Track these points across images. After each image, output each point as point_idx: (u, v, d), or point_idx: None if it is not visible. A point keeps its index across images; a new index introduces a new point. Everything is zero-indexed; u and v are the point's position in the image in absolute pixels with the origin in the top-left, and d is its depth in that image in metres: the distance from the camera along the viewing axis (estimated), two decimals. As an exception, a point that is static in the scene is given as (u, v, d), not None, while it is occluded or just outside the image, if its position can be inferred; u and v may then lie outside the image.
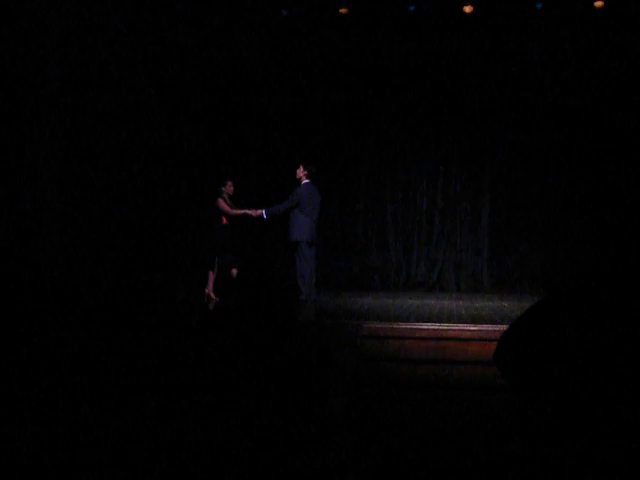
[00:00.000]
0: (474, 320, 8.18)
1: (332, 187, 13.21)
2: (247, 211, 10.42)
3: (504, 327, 7.39)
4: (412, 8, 11.73)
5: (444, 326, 7.64)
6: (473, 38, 12.25)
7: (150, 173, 10.92)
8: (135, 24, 10.47)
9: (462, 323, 7.87)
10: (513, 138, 12.88)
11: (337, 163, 13.22)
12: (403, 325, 7.62)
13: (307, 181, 10.17)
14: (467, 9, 11.49)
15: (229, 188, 10.75)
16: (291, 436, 3.06)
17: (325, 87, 12.82)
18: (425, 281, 13.18)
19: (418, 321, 7.97)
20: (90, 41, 9.51)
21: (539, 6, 11.58)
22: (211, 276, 10.74)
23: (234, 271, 10.73)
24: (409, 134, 13.12)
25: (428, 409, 5.80)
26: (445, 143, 13.17)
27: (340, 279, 13.14)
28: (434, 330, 7.47)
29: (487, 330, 7.41)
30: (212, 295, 10.67)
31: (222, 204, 10.60)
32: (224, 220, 10.72)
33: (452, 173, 13.26)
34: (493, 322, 7.99)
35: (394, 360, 7.07)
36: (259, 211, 10.17)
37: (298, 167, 10.24)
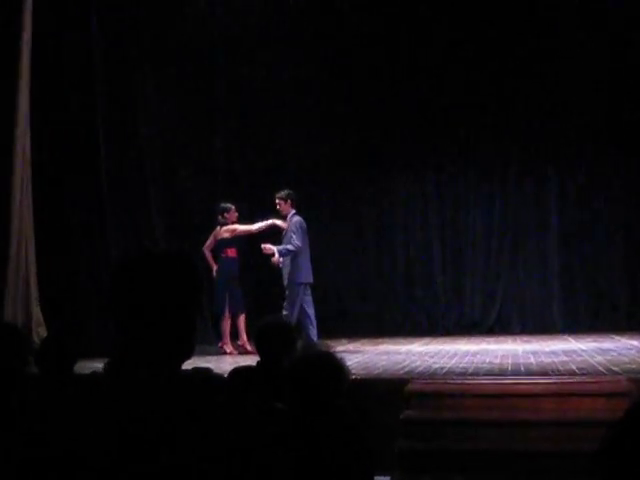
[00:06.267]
0: (546, 370, 8.02)
1: (360, 208, 13.33)
2: (275, 221, 10.48)
3: (585, 379, 7.23)
4: None
5: (509, 379, 7.50)
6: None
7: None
8: None
9: (531, 375, 7.73)
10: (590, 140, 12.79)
11: (359, 176, 13.23)
12: (459, 380, 7.51)
13: (294, 211, 10.46)
14: None
15: (232, 214, 10.72)
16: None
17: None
18: (481, 321, 13.23)
19: (477, 374, 7.86)
20: None
21: None
22: (225, 321, 10.69)
23: (242, 317, 10.69)
24: (453, 138, 13.14)
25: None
26: (502, 147, 13.14)
27: (376, 323, 13.19)
28: (497, 385, 7.32)
29: (564, 383, 7.26)
30: (229, 346, 10.62)
31: (236, 227, 10.63)
32: (230, 252, 10.61)
33: (511, 186, 13.25)
34: (570, 372, 7.82)
35: (449, 424, 6.93)
36: (272, 247, 10.31)
37: (278, 200, 10.43)
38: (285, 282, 10.40)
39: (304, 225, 10.44)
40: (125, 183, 11.32)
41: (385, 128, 13.19)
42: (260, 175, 12.88)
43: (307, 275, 10.38)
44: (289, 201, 10.50)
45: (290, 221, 10.43)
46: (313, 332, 10.12)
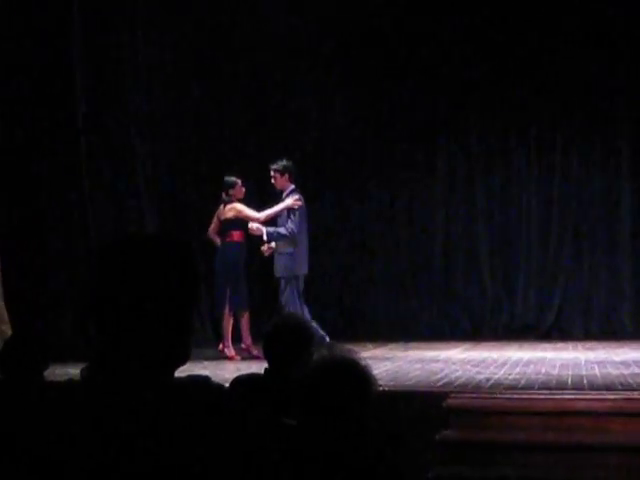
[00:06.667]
0: (613, 384, 8.03)
1: (388, 187, 13.43)
2: (289, 203, 10.44)
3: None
4: None
5: (569, 394, 7.50)
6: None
7: None
8: None
9: (596, 390, 7.72)
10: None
11: (386, 148, 13.32)
12: (508, 394, 7.50)
13: (292, 187, 10.53)
14: None
15: (239, 191, 10.71)
16: None
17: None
18: (537, 324, 13.31)
19: (530, 387, 7.85)
20: None
21: None
22: (227, 320, 10.72)
23: (245, 315, 10.75)
24: (503, 102, 13.32)
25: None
26: (562, 118, 13.26)
27: (408, 324, 13.29)
28: (554, 401, 7.32)
29: (634, 399, 7.27)
30: (231, 350, 10.66)
31: (242, 209, 10.65)
32: (236, 236, 10.62)
33: (574, 165, 13.33)
34: (644, 387, 7.85)
35: (496, 447, 6.94)
36: (262, 227, 10.39)
37: (273, 173, 10.52)
38: (278, 273, 10.45)
39: (303, 206, 10.50)
40: (110, 166, 11.36)
41: (425, 93, 13.26)
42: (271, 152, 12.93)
43: (305, 265, 10.53)
44: (287, 174, 10.53)
45: (287, 199, 10.46)
46: (320, 331, 10.18)
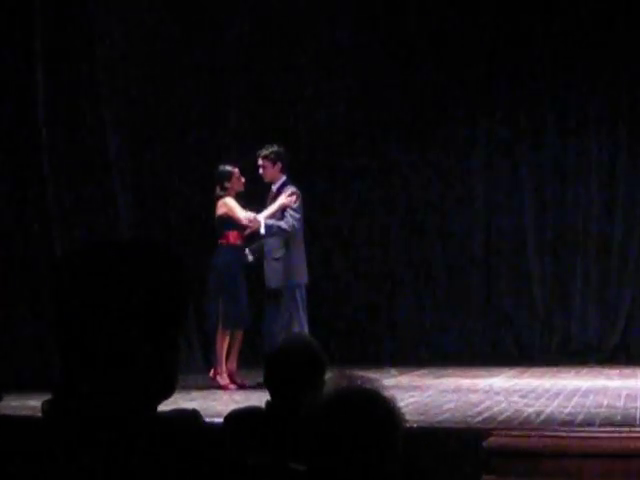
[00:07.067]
0: None
1: (414, 179, 13.55)
2: (284, 201, 10.51)
3: None
4: None
5: (638, 432, 7.48)
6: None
7: None
8: None
9: None
10: None
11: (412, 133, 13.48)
12: (563, 432, 7.49)
13: (284, 178, 10.63)
14: None
15: (237, 182, 10.68)
16: None
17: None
18: (598, 346, 13.37)
19: (590, 424, 7.87)
20: None
21: None
22: (221, 340, 10.72)
23: (239, 334, 10.78)
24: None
25: None
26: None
27: (440, 345, 13.37)
28: (619, 440, 7.30)
29: None
30: (225, 378, 10.65)
31: (233, 207, 10.63)
32: (232, 237, 10.62)
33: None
34: None
35: None
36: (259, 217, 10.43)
37: (262, 161, 10.56)
38: (274, 283, 10.49)
39: (301, 200, 10.59)
40: (78, 162, 11.38)
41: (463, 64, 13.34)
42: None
43: (305, 272, 10.65)
44: (279, 163, 10.52)
45: (282, 192, 10.50)
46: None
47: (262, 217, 10.53)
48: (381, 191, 13.70)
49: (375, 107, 13.52)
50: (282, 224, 10.45)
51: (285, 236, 10.52)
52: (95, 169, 11.58)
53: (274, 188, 10.61)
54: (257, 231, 10.49)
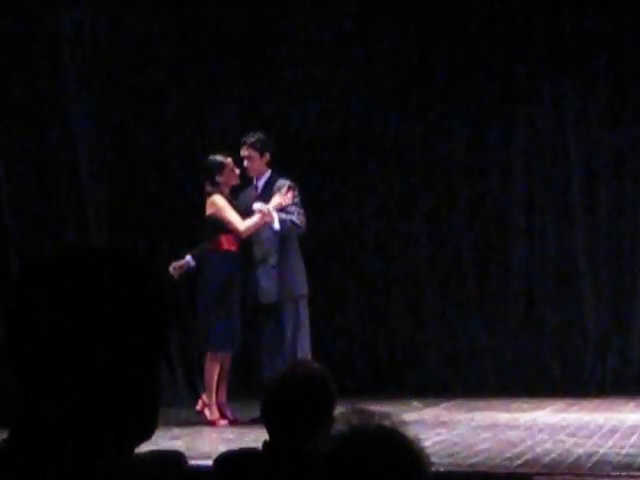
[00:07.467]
0: None
1: (451, 175, 13.71)
2: (280, 199, 10.59)
3: None
4: None
5: None
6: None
7: None
8: None
9: None
10: None
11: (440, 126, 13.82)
12: (621, 477, 7.57)
13: (270, 173, 10.80)
14: None
15: (230, 175, 10.68)
16: None
17: None
18: None
19: None
20: None
21: None
22: (210, 366, 10.72)
23: (227, 358, 10.87)
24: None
25: None
26: None
27: (472, 373, 13.48)
28: None
29: None
30: (214, 411, 10.69)
31: (222, 207, 10.70)
32: (226, 242, 10.64)
33: None
34: None
35: None
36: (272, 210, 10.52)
37: (247, 152, 10.68)
38: (268, 297, 10.57)
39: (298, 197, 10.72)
40: (40, 160, 11.47)
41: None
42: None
43: (304, 283, 10.82)
44: (266, 154, 10.59)
45: (274, 187, 10.62)
46: None
47: (272, 209, 10.58)
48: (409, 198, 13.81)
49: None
50: (294, 218, 10.55)
51: (298, 232, 10.67)
52: (62, 174, 11.68)
53: (259, 185, 10.63)
54: (270, 225, 10.52)
